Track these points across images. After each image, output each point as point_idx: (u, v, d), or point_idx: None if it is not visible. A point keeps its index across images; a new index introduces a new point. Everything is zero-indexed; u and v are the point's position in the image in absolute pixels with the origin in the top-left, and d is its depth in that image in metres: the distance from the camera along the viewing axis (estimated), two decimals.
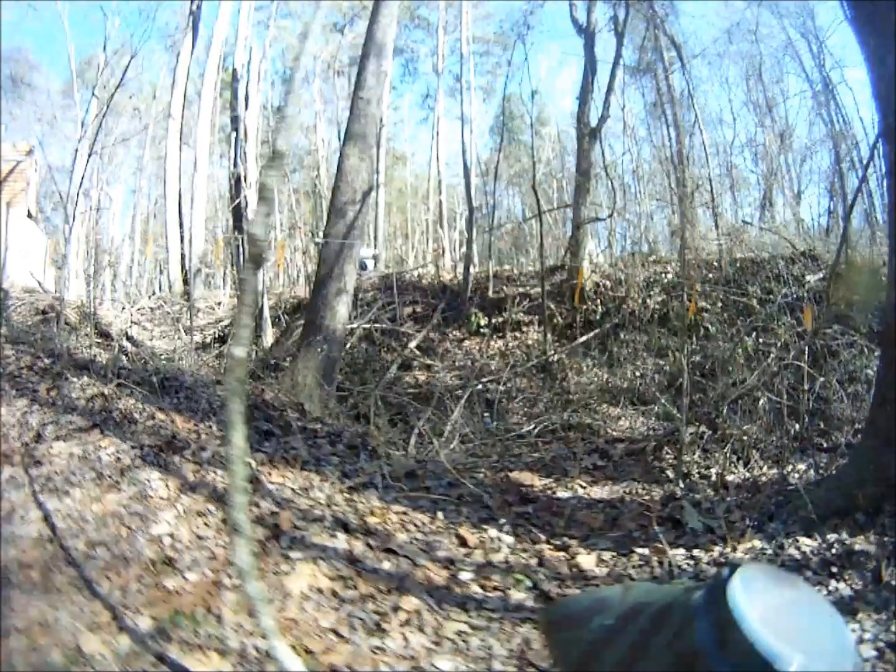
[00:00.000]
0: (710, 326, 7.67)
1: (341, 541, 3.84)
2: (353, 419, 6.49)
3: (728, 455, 5.30)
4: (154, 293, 13.11)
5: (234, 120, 9.60)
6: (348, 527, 4.03)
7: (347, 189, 6.67)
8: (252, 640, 2.71)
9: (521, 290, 9.76)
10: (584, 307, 8.95)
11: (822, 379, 6.16)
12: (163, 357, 7.16)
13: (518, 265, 10.79)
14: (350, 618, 3.05)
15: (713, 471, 5.16)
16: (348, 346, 8.95)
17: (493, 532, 4.53)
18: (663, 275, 9.40)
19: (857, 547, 3.97)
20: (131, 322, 10.51)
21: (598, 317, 8.64)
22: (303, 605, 3.04)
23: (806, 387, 5.92)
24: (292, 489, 4.22)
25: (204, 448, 4.28)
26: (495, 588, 3.89)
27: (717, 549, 4.28)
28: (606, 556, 4.32)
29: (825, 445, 5.62)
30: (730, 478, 5.08)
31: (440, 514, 4.61)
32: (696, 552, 4.27)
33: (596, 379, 7.36)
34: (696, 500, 4.78)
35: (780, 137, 16.19)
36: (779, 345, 6.66)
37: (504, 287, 9.91)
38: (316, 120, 21.75)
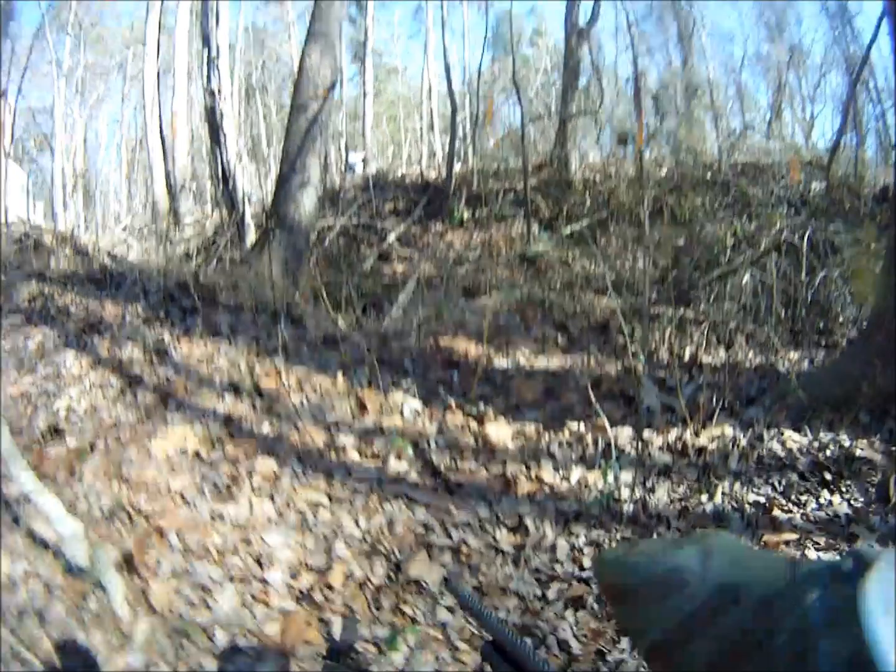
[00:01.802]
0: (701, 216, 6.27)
1: (227, 404, 3.27)
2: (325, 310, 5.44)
3: (706, 334, 4.00)
4: (138, 213, 12.03)
5: (206, 38, 8.62)
6: (238, 390, 3.40)
7: (309, 85, 6.43)
8: (100, 502, 2.58)
9: (506, 185, 8.40)
10: (572, 200, 7.58)
11: (822, 273, 4.78)
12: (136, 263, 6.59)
13: (506, 163, 9.31)
14: (203, 481, 2.71)
15: (688, 350, 3.85)
16: (326, 242, 8.26)
17: (398, 397, 3.53)
18: (657, 170, 7.98)
19: (858, 453, 2.88)
20: (115, 241, 9.75)
21: (585, 210, 7.26)
22: (162, 467, 2.76)
23: (804, 277, 4.81)
24: (198, 359, 3.74)
25: (122, 327, 4.00)
26: (374, 456, 3.02)
27: (674, 433, 3.06)
28: (530, 429, 3.13)
29: (823, 343, 4.28)
30: (707, 360, 3.79)
31: (342, 378, 3.67)
32: (647, 434, 3.03)
33: (581, 271, 6.04)
34: (659, 377, 3.51)
35: (790, 51, 14.31)
36: (773, 231, 5.27)
37: (489, 182, 8.59)
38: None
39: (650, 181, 7.28)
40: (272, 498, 2.67)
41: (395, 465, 2.92)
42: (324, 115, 6.54)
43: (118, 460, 2.78)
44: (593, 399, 2.85)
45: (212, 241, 8.77)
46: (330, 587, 2.32)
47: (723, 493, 2.68)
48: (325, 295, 5.10)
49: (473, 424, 3.21)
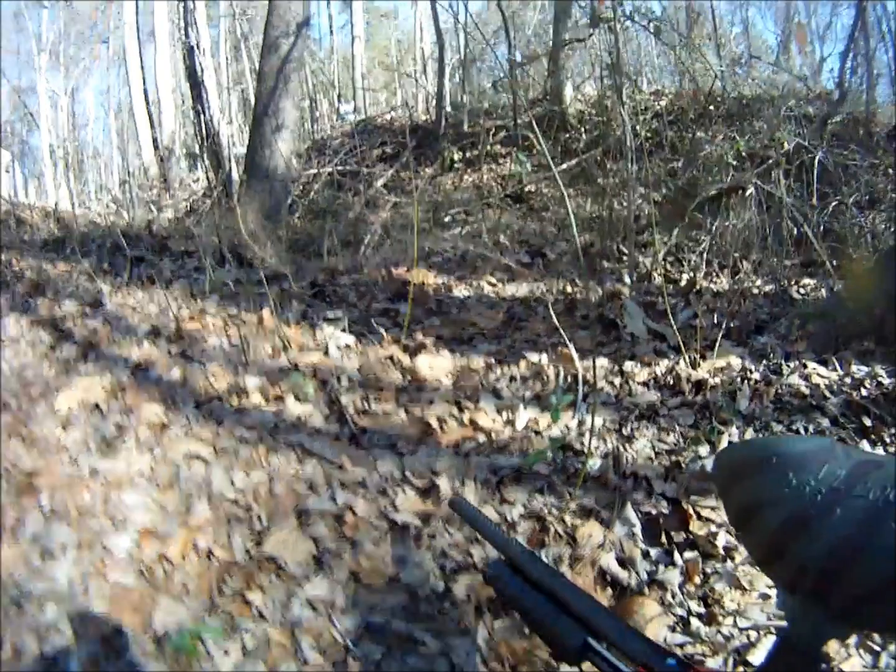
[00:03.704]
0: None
1: (143, 350, 2.69)
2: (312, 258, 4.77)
3: (705, 256, 3.05)
4: (126, 181, 11.21)
5: None
6: (159, 334, 2.83)
7: (279, 23, 5.75)
8: None
9: (498, 122, 7.39)
10: (567, 136, 6.57)
11: (835, 200, 3.79)
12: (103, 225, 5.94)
13: (499, 100, 8.26)
14: (93, 434, 2.13)
15: (685, 277, 2.92)
16: (312, 193, 7.44)
17: (330, 331, 2.70)
18: (656, 102, 6.89)
19: None
20: (100, 211, 8.99)
21: (581, 145, 6.23)
22: (60, 422, 2.19)
23: (815, 202, 3.86)
24: (131, 307, 3.21)
25: (66, 286, 3.58)
26: (278, 398, 2.24)
27: (664, 364, 2.15)
28: (478, 362, 2.28)
29: (839, 274, 3.28)
30: (707, 285, 2.85)
31: (270, 315, 2.93)
32: (629, 366, 2.11)
33: (578, 210, 5.05)
34: (648, 301, 2.58)
35: None
36: (781, 150, 4.24)
37: (480, 121, 7.59)
38: None
39: (648, 113, 6.23)
40: (152, 450, 2.05)
41: (295, 409, 2.08)
42: (297, 53, 5.83)
43: (25, 418, 2.27)
44: (553, 316, 1.93)
45: (201, 202, 8.18)
46: (169, 560, 1.56)
47: (729, 444, 1.78)
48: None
49: (406, 359, 2.33)
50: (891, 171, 4.39)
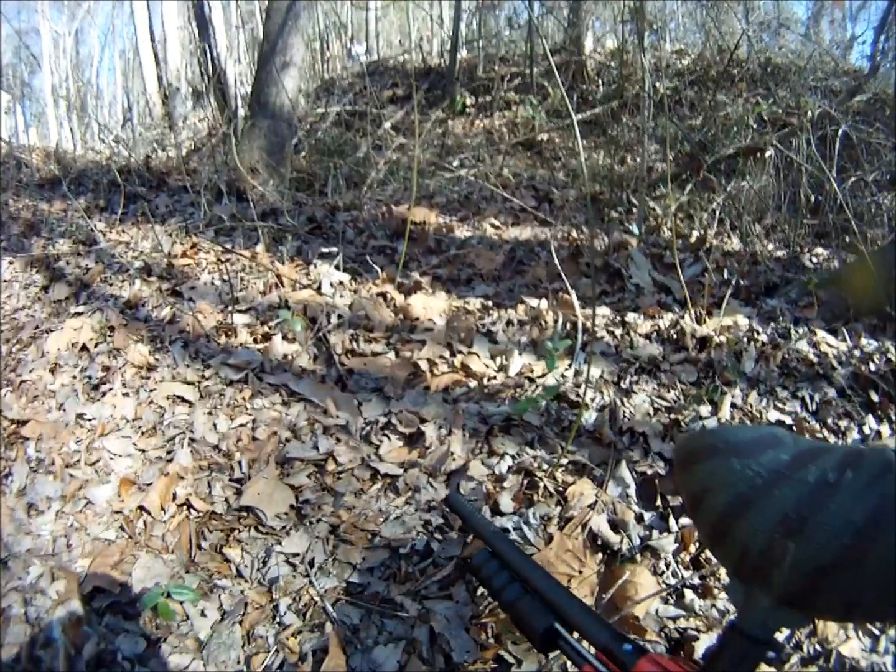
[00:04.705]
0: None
1: (134, 289, 2.53)
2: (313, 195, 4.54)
3: (718, 214, 2.84)
4: (127, 120, 10.68)
5: None
6: (151, 272, 2.68)
7: None
8: None
9: (514, 69, 6.97)
10: (584, 87, 6.20)
11: (854, 177, 3.55)
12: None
13: (515, 47, 7.81)
14: (80, 378, 2.01)
15: (695, 234, 2.72)
16: (319, 133, 6.82)
17: (325, 268, 2.52)
18: (679, 60, 6.48)
19: None
20: (104, 151, 8.60)
21: (598, 97, 5.88)
22: (48, 366, 2.07)
23: (834, 174, 3.41)
24: (125, 244, 3.05)
25: (61, 224, 3.41)
26: (266, 337, 2.09)
27: (668, 318, 1.99)
28: (475, 304, 2.12)
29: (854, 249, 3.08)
30: (717, 243, 2.66)
31: (261, 249, 2.82)
32: (631, 317, 1.97)
33: (589, 163, 4.78)
34: (656, 254, 2.40)
35: None
36: (804, 118, 3.94)
37: (495, 67, 7.17)
38: None
39: (670, 70, 5.85)
40: (138, 393, 1.92)
41: (283, 348, 1.93)
42: None
43: (15, 363, 2.17)
44: (556, 261, 1.76)
45: (206, 140, 7.91)
46: (149, 512, 1.45)
47: (732, 406, 1.67)
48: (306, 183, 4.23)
49: (400, 298, 2.17)
50: None
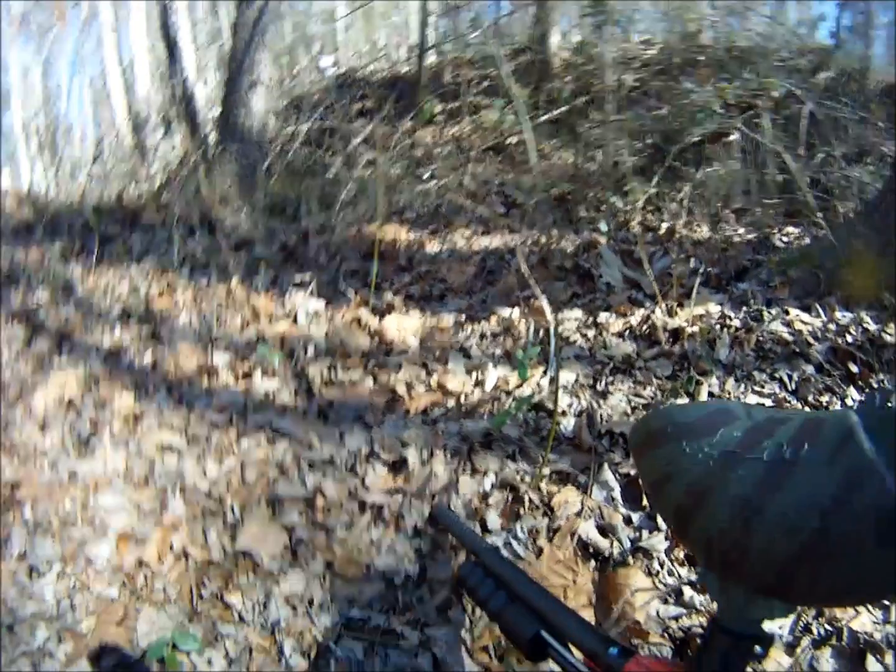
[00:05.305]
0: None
1: (115, 337, 2.55)
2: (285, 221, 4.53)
3: (686, 203, 2.89)
4: (98, 156, 10.63)
5: None
6: (130, 317, 2.69)
7: None
8: None
9: (481, 72, 6.98)
10: (550, 85, 6.22)
11: (824, 150, 3.60)
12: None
13: (483, 50, 7.83)
14: (69, 434, 2.00)
15: (665, 225, 2.76)
16: (290, 154, 6.77)
17: (300, 297, 2.54)
18: (645, 51, 6.53)
19: (889, 339, 1.89)
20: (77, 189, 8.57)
21: (565, 95, 5.91)
22: (38, 425, 2.07)
23: (802, 152, 3.60)
24: (102, 289, 3.03)
25: (39, 273, 3.32)
26: (246, 375, 2.12)
27: (639, 314, 2.04)
28: (448, 320, 2.14)
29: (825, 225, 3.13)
30: (686, 233, 2.70)
31: (240, 284, 2.81)
32: (603, 317, 2.00)
33: (559, 161, 4.81)
34: (625, 250, 2.44)
35: None
36: (769, 99, 4.01)
37: (462, 71, 7.17)
38: None
39: (636, 62, 5.90)
40: (127, 445, 1.93)
41: (263, 385, 1.97)
42: (273, 3, 5.33)
43: (4, 424, 2.14)
44: (524, 268, 1.80)
45: (178, 170, 7.90)
46: (148, 565, 1.49)
47: (710, 395, 1.72)
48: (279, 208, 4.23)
49: (374, 321, 2.20)
50: (881, 123, 4.14)
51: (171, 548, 1.53)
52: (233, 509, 1.58)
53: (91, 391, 2.23)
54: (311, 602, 1.31)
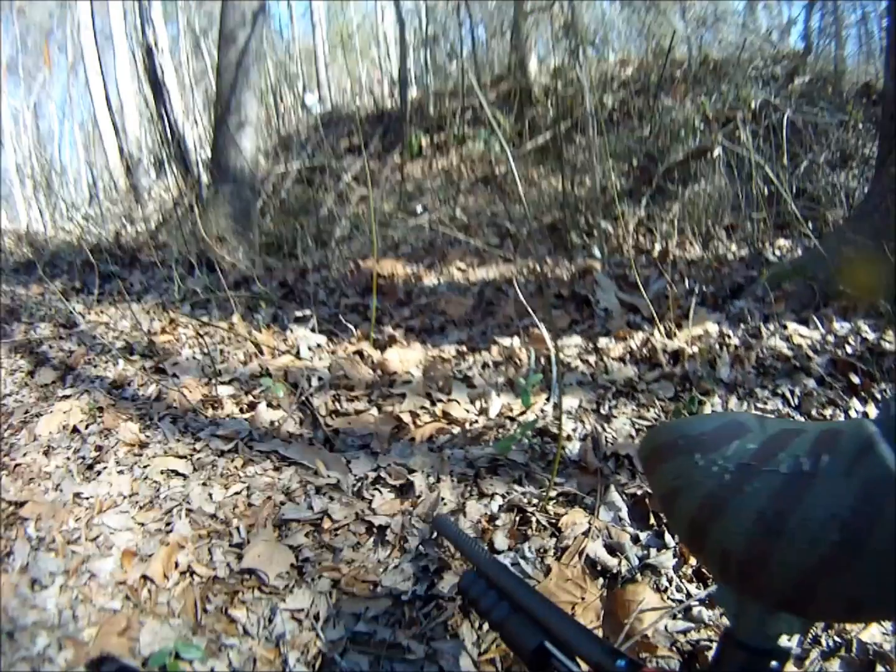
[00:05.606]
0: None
1: (118, 369, 2.60)
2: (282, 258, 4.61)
3: (677, 223, 2.96)
4: (93, 197, 10.76)
5: None
6: (133, 351, 2.76)
7: (234, 13, 5.32)
8: None
9: (465, 103, 7.17)
10: (533, 112, 6.40)
11: (808, 158, 3.70)
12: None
13: (465, 80, 8.02)
14: (74, 459, 2.03)
15: (658, 246, 2.83)
16: (283, 193, 7.13)
17: (301, 332, 2.63)
18: (622, 71, 6.72)
19: (888, 346, 1.93)
20: (74, 229, 8.71)
21: (548, 121, 6.08)
22: (42, 449, 2.09)
23: (786, 162, 3.71)
24: (105, 324, 3.13)
25: (40, 308, 3.50)
26: (251, 406, 2.15)
27: (638, 337, 2.07)
28: (450, 351, 2.19)
29: (816, 235, 3.20)
30: (679, 253, 2.76)
31: (241, 321, 2.88)
32: (602, 342, 2.05)
33: (549, 188, 4.93)
34: (620, 275, 2.50)
35: None
36: (747, 110, 4.14)
37: (446, 103, 7.35)
38: None
39: (615, 83, 6.07)
40: (132, 470, 1.96)
41: (268, 415, 1.99)
42: (255, 44, 5.41)
43: (8, 448, 2.18)
44: (522, 298, 1.85)
45: (172, 211, 7.97)
46: (153, 581, 1.48)
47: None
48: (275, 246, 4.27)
49: (376, 354, 2.24)
50: (861, 125, 4.25)
51: (176, 565, 1.53)
52: (239, 531, 1.59)
53: (95, 420, 2.25)
54: (316, 617, 1.31)
